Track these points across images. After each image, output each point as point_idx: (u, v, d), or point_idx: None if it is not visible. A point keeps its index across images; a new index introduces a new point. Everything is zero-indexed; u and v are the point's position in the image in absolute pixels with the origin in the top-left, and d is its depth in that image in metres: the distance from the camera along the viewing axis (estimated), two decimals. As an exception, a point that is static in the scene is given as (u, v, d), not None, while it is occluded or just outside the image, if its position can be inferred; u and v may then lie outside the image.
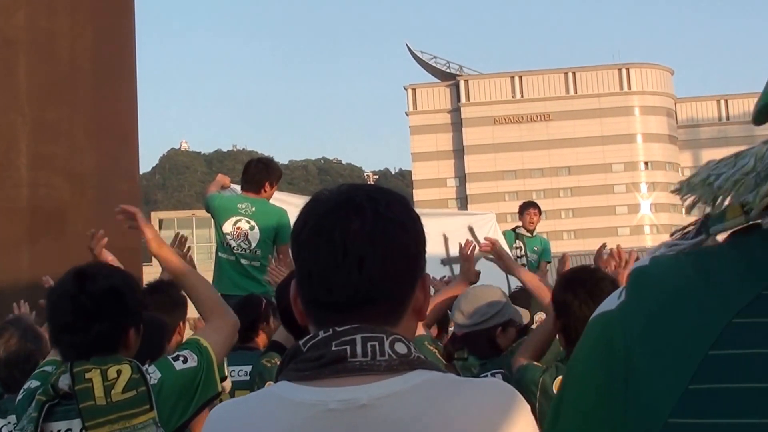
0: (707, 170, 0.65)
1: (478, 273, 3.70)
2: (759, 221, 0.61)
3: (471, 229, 7.32)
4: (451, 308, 3.55)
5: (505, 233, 7.90)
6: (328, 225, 1.16)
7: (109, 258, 3.32)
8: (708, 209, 0.66)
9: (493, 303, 3.28)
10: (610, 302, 0.68)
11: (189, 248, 3.70)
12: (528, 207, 8.20)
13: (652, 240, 69.09)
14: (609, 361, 0.63)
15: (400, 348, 1.13)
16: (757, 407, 0.53)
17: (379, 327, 1.14)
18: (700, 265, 0.62)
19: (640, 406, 0.58)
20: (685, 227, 0.68)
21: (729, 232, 0.64)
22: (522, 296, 4.30)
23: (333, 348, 1.12)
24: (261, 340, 4.18)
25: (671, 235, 0.70)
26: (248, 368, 3.82)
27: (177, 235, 3.68)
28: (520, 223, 8.15)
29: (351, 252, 1.14)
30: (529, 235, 8.07)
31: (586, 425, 0.65)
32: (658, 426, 0.56)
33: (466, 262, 3.76)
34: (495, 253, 3.64)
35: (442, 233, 7.07)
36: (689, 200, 0.67)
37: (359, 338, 1.12)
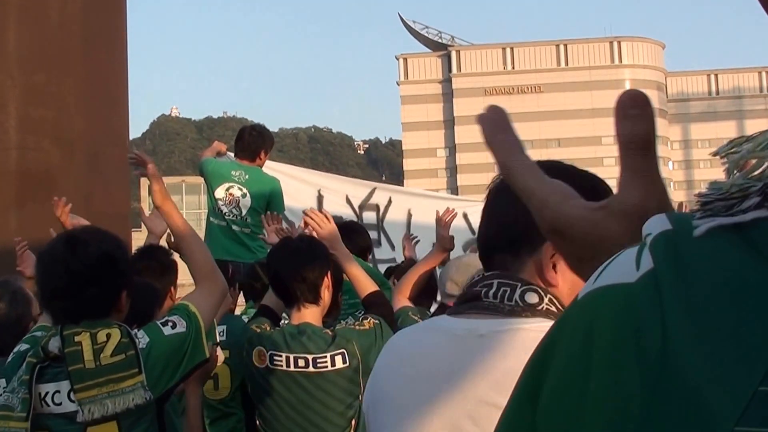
0: None
1: (452, 238, 3.82)
2: None
3: (465, 216, 7.32)
4: (436, 280, 3.57)
5: None
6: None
7: (82, 222, 3.31)
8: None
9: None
10: (621, 271, 0.54)
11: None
12: None
13: (639, 213, 69.03)
14: (641, 358, 0.49)
15: (530, 297, 1.27)
16: None
17: (518, 276, 1.29)
18: (762, 244, 0.50)
19: (694, 416, 0.47)
20: (724, 193, 0.54)
21: None
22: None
23: (476, 288, 1.31)
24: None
25: (699, 197, 0.56)
26: (222, 327, 3.87)
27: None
28: None
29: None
30: None
31: None
32: None
33: (442, 229, 3.82)
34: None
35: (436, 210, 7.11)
36: (741, 162, 0.54)
37: (496, 282, 1.29)
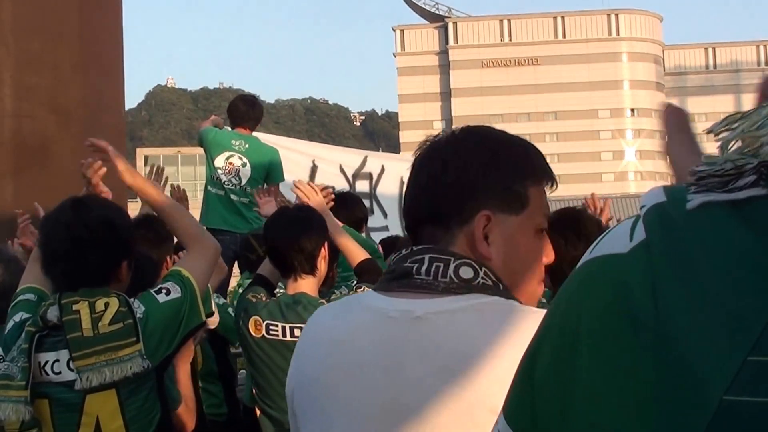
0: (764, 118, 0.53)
1: None
2: None
3: None
4: None
5: None
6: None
7: (105, 191, 3.30)
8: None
9: None
10: (614, 243, 0.55)
11: (167, 179, 3.68)
12: None
13: (636, 187, 69.29)
14: (634, 326, 0.51)
15: (465, 272, 1.20)
16: None
17: (449, 250, 1.22)
18: (756, 222, 0.51)
19: (685, 383, 0.47)
20: (718, 169, 0.55)
21: None
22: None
23: (405, 264, 1.23)
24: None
25: (694, 172, 0.57)
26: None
27: (153, 167, 3.65)
28: None
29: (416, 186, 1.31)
30: None
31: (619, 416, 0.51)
32: (712, 406, 0.46)
33: None
34: None
35: None
36: (735, 146, 0.54)
37: (427, 258, 1.21)
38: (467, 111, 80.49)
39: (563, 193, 50.40)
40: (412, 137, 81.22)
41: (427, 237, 1.25)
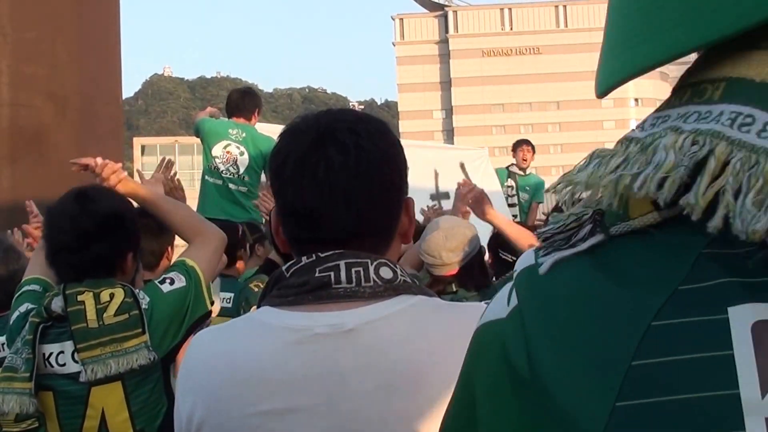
0: (612, 170, 0.55)
1: (468, 213, 3.71)
2: (672, 215, 0.53)
3: (462, 166, 7.22)
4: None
5: (497, 171, 7.68)
6: (311, 162, 1.13)
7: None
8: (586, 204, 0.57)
9: (472, 236, 3.29)
10: (497, 310, 0.60)
11: (175, 173, 3.67)
12: (521, 144, 7.70)
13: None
14: (514, 384, 0.55)
15: (386, 273, 1.13)
16: (689, 420, 0.47)
17: (363, 252, 1.14)
18: (602, 264, 0.55)
19: (565, 430, 0.51)
20: (560, 225, 0.59)
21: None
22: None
23: (317, 274, 1.12)
24: (241, 266, 4.21)
25: (539, 232, 0.61)
26: (230, 295, 3.84)
27: (163, 159, 3.64)
28: (513, 161, 7.70)
29: (337, 190, 1.12)
30: (522, 173, 7.63)
31: None
32: None
33: (458, 202, 3.76)
34: (473, 199, 3.62)
35: (434, 168, 7.00)
36: (567, 196, 0.57)
37: (343, 264, 1.12)
38: (467, 100, 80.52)
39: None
40: (411, 127, 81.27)
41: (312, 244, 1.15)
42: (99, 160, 2.57)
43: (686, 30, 0.54)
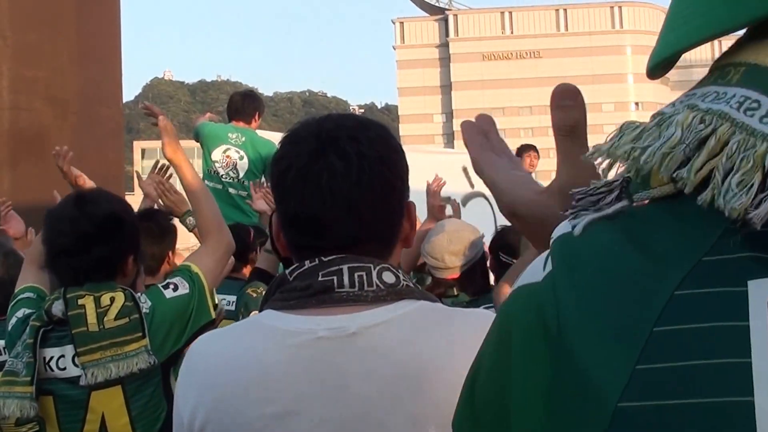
0: (629, 142, 0.58)
1: (443, 207, 3.72)
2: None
3: (465, 170, 7.21)
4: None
5: None
6: (313, 170, 1.14)
7: (85, 182, 3.29)
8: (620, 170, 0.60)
9: (475, 240, 3.29)
10: (533, 274, 0.61)
11: (170, 176, 3.67)
12: (527, 149, 7.61)
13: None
14: (549, 344, 0.56)
15: (388, 277, 1.14)
16: (702, 386, 0.49)
17: (366, 257, 1.14)
18: (631, 232, 0.57)
19: (584, 393, 0.53)
20: (592, 189, 0.61)
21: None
22: (509, 233, 4.31)
23: (320, 278, 1.12)
24: (248, 270, 4.19)
25: (574, 198, 0.62)
26: (233, 298, 3.83)
27: (157, 162, 3.65)
28: None
29: (339, 197, 1.13)
30: None
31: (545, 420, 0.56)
32: (608, 412, 0.51)
33: (431, 198, 3.76)
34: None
35: (436, 173, 6.97)
36: (606, 164, 0.60)
37: (346, 268, 1.12)
38: (468, 104, 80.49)
39: (563, 186, 50.31)
40: (412, 131, 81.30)
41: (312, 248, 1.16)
42: (162, 118, 2.81)
43: (732, 6, 0.56)
